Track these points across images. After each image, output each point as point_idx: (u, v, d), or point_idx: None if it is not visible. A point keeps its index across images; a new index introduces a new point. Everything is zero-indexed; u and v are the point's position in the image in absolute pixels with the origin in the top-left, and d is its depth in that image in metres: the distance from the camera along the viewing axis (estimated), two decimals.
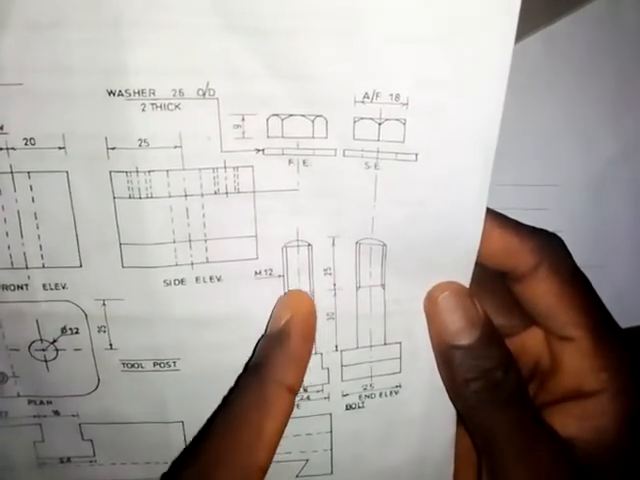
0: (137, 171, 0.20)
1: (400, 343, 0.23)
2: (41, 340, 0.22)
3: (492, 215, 0.21)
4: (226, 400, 0.21)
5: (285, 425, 0.20)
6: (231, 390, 0.21)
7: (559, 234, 0.22)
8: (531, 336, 0.23)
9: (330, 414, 0.23)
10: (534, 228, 0.22)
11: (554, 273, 0.21)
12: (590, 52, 0.32)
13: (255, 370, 0.21)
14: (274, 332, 0.21)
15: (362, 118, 0.20)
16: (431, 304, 0.22)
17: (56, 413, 0.23)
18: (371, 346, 0.23)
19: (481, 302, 0.22)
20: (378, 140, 0.20)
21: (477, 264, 0.21)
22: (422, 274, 0.22)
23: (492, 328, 0.22)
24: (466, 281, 0.22)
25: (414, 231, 0.21)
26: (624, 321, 0.23)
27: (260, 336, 0.22)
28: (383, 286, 0.22)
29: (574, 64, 0.32)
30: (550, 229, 0.22)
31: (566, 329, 0.22)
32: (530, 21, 0.31)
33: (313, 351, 0.22)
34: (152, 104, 0.19)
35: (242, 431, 0.20)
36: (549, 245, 0.22)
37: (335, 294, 0.22)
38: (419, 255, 0.21)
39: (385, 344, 0.23)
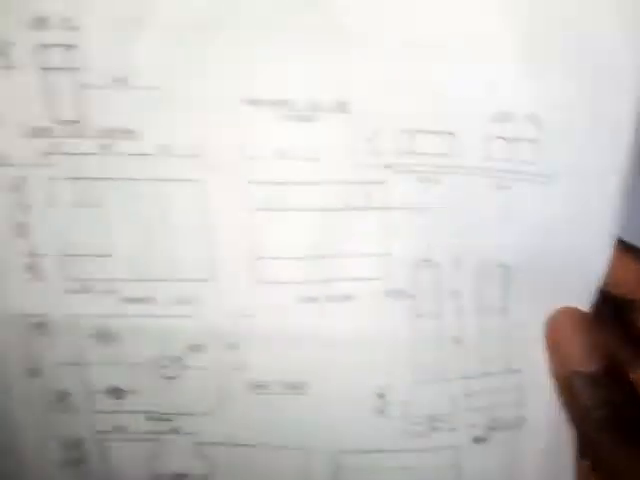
0: (272, 182, 0.19)
1: (523, 371, 0.22)
2: (165, 357, 0.21)
3: (621, 242, 0.20)
4: None
5: None
6: None
7: None
8: None
9: (456, 447, 0.22)
10: None
11: None
12: None
13: None
14: None
15: (494, 137, 0.19)
16: (552, 329, 0.21)
17: (174, 431, 0.22)
18: (494, 374, 0.22)
19: (604, 331, 0.21)
20: (509, 160, 0.20)
21: (601, 292, 0.21)
22: (546, 299, 0.21)
23: (614, 357, 0.21)
24: (588, 307, 0.21)
25: (540, 255, 0.20)
26: None
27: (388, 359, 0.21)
28: (506, 310, 0.21)
29: None
30: None
31: None
32: None
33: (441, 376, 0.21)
34: (288, 115, 0.19)
35: None
36: None
37: (460, 317, 0.21)
38: (544, 280, 0.21)
39: (508, 371, 0.22)
